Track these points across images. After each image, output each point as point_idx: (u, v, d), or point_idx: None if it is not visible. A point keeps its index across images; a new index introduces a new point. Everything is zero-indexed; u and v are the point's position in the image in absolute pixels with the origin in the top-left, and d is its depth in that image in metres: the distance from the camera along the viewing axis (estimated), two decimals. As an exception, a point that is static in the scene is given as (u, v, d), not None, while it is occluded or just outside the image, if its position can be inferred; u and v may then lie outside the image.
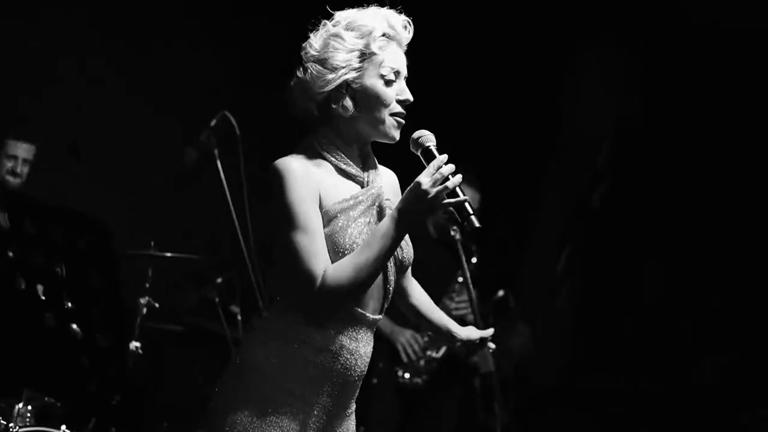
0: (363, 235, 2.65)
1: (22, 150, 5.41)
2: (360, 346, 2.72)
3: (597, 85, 6.55)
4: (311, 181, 2.62)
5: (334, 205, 2.65)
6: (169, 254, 5.16)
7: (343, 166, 2.71)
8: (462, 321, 5.68)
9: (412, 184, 2.58)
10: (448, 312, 5.52)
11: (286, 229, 2.59)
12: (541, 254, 6.77)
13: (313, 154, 2.70)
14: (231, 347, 5.29)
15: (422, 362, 5.39)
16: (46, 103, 5.82)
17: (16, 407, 4.11)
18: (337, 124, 2.71)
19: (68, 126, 5.70)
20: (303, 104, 2.72)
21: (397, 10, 2.76)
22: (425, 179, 2.55)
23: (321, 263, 2.57)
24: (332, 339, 2.67)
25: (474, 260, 5.71)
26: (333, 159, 2.71)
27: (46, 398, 4.14)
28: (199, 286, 5.67)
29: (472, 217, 2.57)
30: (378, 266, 2.58)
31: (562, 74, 6.69)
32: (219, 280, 5.52)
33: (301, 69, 2.70)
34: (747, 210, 6.00)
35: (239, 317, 5.50)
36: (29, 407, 4.12)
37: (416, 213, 2.57)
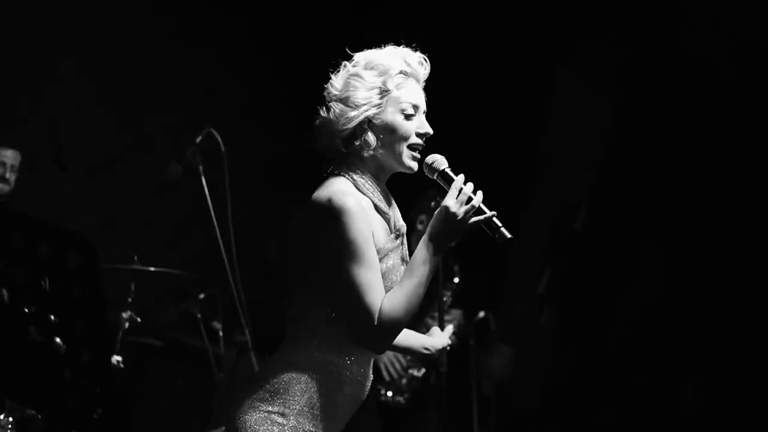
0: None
1: (9, 157, 5.40)
2: (371, 375, 2.85)
3: (590, 90, 6.58)
4: (366, 218, 2.68)
5: (386, 244, 2.74)
6: (152, 269, 5.17)
7: (377, 202, 2.78)
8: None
9: (438, 209, 2.68)
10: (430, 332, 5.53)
11: (348, 265, 2.62)
12: (522, 275, 6.79)
13: (353, 189, 2.75)
14: (212, 363, 5.30)
15: (404, 381, 5.40)
16: (46, 103, 5.83)
17: (-3, 418, 4.12)
18: (363, 160, 2.79)
19: (60, 131, 5.71)
20: (328, 141, 2.80)
21: (412, 47, 2.86)
22: (451, 202, 2.66)
23: (379, 298, 2.63)
24: (362, 371, 2.78)
25: (456, 280, 5.73)
26: (370, 195, 2.78)
27: (27, 410, 4.14)
28: (181, 301, 5.67)
29: (503, 230, 2.66)
30: (423, 292, 2.65)
31: (553, 87, 6.71)
32: (201, 295, 5.52)
33: (324, 108, 2.79)
34: (745, 230, 5.97)
35: (221, 333, 5.51)
36: (10, 419, 4.12)
37: (447, 236, 2.67)
